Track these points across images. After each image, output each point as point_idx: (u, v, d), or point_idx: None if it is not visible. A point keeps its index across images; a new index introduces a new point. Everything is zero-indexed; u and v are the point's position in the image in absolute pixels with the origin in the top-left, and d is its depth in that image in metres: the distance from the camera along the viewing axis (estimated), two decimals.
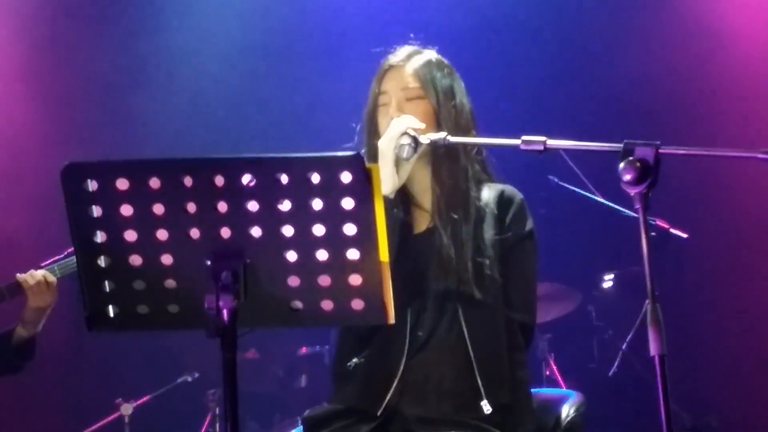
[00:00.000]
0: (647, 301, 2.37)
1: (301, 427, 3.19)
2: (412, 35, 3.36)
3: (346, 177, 2.25)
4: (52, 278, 4.24)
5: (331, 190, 2.26)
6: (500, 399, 3.01)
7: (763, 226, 6.32)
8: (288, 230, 2.31)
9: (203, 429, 5.89)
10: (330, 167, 2.26)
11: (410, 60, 3.23)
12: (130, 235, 2.33)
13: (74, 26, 6.53)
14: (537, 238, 3.21)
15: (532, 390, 3.18)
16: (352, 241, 2.30)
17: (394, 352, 3.07)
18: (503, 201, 3.19)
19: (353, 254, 2.31)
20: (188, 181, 2.28)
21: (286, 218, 2.29)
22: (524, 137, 2.76)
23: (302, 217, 2.29)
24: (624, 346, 5.85)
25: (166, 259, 2.34)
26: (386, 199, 2.91)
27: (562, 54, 6.78)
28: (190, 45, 6.75)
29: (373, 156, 3.09)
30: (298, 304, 2.38)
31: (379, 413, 3.03)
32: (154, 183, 2.28)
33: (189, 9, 6.82)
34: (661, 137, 2.49)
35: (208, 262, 2.31)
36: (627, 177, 2.41)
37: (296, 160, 2.29)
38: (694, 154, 2.58)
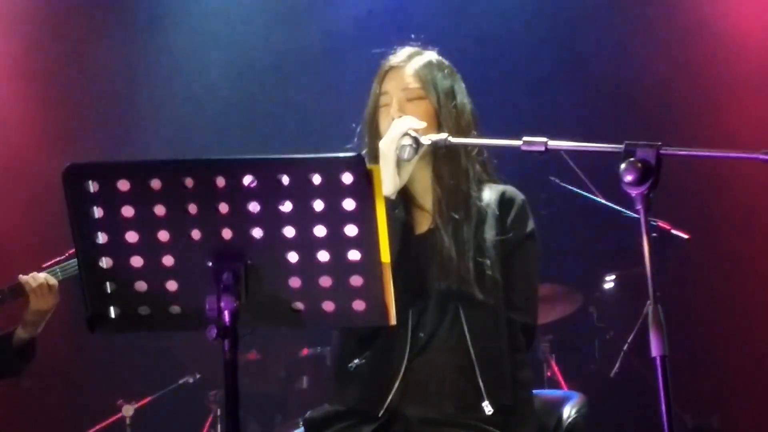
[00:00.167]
0: (648, 302, 2.36)
1: (302, 428, 3.18)
2: (412, 36, 3.36)
3: (347, 178, 2.25)
4: (53, 281, 4.23)
5: (332, 191, 2.26)
6: (502, 400, 3.01)
7: (765, 226, 6.32)
8: (289, 231, 2.31)
9: (204, 430, 5.89)
10: (331, 168, 2.26)
11: (411, 60, 3.23)
12: (132, 237, 2.33)
13: (74, 26, 6.52)
14: (538, 239, 3.21)
15: (534, 391, 3.18)
16: (354, 242, 2.30)
17: (395, 353, 3.07)
18: (504, 202, 3.19)
19: (354, 255, 2.31)
20: (189, 182, 2.28)
21: (287, 219, 2.30)
22: (525, 138, 2.75)
23: (303, 218, 2.29)
24: (625, 347, 5.84)
25: (168, 261, 2.34)
26: (387, 200, 2.91)
27: (564, 54, 6.78)
28: (190, 45, 6.75)
29: (374, 157, 3.09)
30: (300, 305, 2.38)
31: (380, 414, 3.03)
32: (155, 184, 2.28)
33: (189, 9, 6.82)
34: (663, 138, 2.49)
35: (210, 263, 2.31)
36: (628, 178, 2.41)
37: (297, 161, 2.29)
38: (696, 155, 2.58)
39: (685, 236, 5.29)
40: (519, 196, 3.22)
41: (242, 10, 6.88)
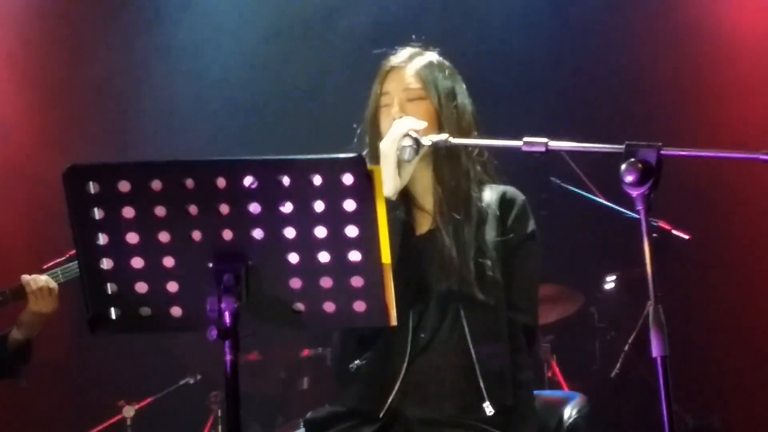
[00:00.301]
0: (649, 303, 2.36)
1: (303, 429, 3.18)
2: (413, 36, 3.37)
3: (347, 179, 2.25)
4: (54, 285, 4.19)
5: (332, 192, 2.26)
6: (502, 400, 3.01)
7: (765, 227, 6.32)
8: (290, 232, 2.31)
9: (205, 431, 5.89)
10: (332, 169, 2.26)
11: (412, 61, 3.24)
12: (132, 238, 2.33)
13: (74, 26, 6.51)
14: (539, 239, 3.22)
15: (535, 391, 3.18)
16: (354, 243, 2.30)
17: (396, 353, 3.07)
18: (505, 202, 3.19)
19: (355, 256, 2.31)
20: (190, 183, 2.28)
21: (287, 220, 2.30)
22: (526, 138, 2.75)
23: (304, 219, 2.29)
24: (626, 348, 5.84)
25: (168, 262, 2.34)
26: (388, 201, 2.91)
27: (564, 55, 6.78)
28: (190, 45, 6.74)
29: (375, 157, 3.10)
30: (300, 306, 2.38)
31: (381, 415, 3.03)
32: (156, 185, 2.28)
33: (190, 8, 6.81)
34: (663, 139, 2.49)
35: (210, 265, 2.32)
36: (629, 178, 2.41)
37: (298, 162, 2.29)
38: (696, 155, 2.58)
39: (686, 237, 5.30)
40: (520, 196, 3.22)
41: (242, 9, 6.88)
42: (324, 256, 2.32)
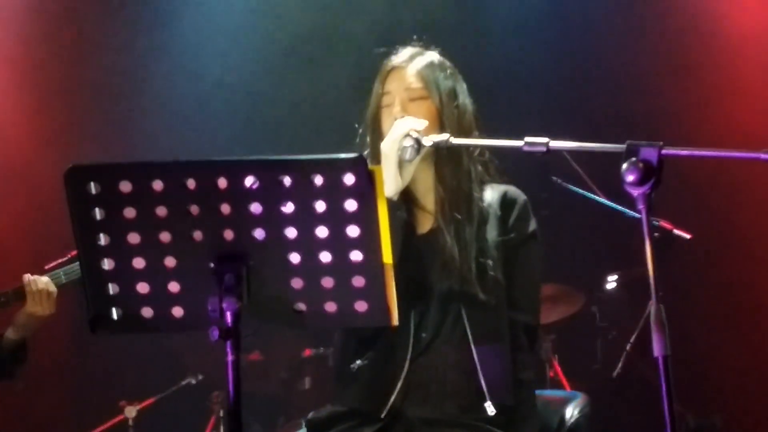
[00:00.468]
0: (651, 302, 2.36)
1: (305, 429, 3.18)
2: (414, 36, 3.37)
3: (349, 179, 2.25)
4: (53, 289, 4.15)
5: (334, 192, 2.26)
6: (503, 400, 3.01)
7: (767, 226, 6.31)
8: (291, 232, 2.31)
9: (207, 431, 5.89)
10: (333, 169, 2.26)
11: (413, 61, 3.24)
12: (133, 238, 2.33)
13: (74, 26, 6.51)
14: (540, 239, 3.22)
15: (536, 391, 3.18)
16: (356, 243, 2.30)
17: (397, 353, 3.07)
18: (506, 202, 3.19)
19: (356, 256, 2.31)
20: (191, 183, 2.28)
21: (289, 220, 2.30)
22: (527, 138, 2.75)
23: (305, 219, 2.29)
24: (628, 347, 5.84)
25: (170, 262, 2.34)
26: (389, 201, 2.91)
27: (565, 54, 6.77)
28: (192, 45, 6.74)
29: (377, 157, 3.10)
30: (302, 306, 2.38)
31: (383, 415, 3.03)
32: (157, 185, 2.28)
33: (190, 8, 6.81)
34: (664, 138, 2.49)
35: (212, 265, 2.32)
36: (630, 178, 2.40)
37: (299, 162, 2.29)
38: (698, 154, 2.57)
39: (688, 236, 5.28)
40: (521, 196, 3.22)
41: (243, 8, 6.87)
42: (325, 256, 2.32)
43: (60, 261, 4.26)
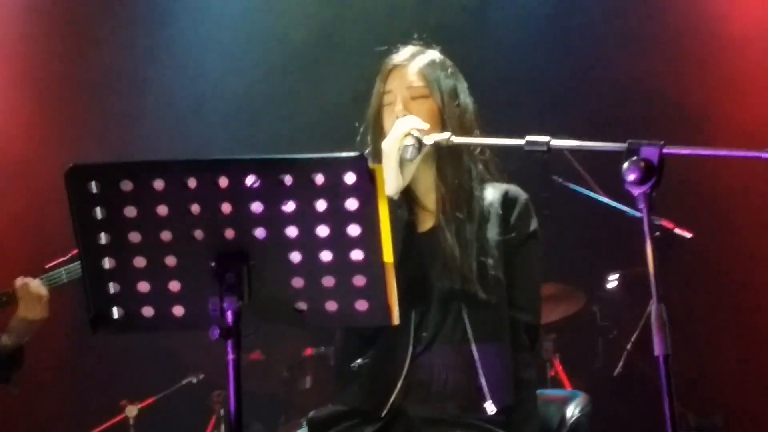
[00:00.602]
0: (652, 301, 2.36)
1: (305, 429, 3.18)
2: (415, 35, 3.37)
3: (350, 178, 2.25)
4: (44, 292, 4.10)
5: (335, 191, 2.26)
6: (503, 400, 3.01)
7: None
8: (292, 231, 2.31)
9: (208, 430, 5.89)
10: (334, 168, 2.26)
11: (414, 59, 3.24)
12: (134, 237, 2.33)
13: (75, 25, 6.50)
14: (541, 238, 3.21)
15: (537, 390, 3.18)
16: (356, 242, 2.30)
17: (398, 352, 3.07)
18: (508, 201, 3.19)
19: (357, 255, 2.31)
20: (192, 182, 2.28)
21: (290, 219, 2.29)
22: (528, 137, 2.75)
23: (306, 218, 2.29)
24: (629, 346, 5.84)
25: (170, 261, 2.34)
26: (390, 200, 2.91)
27: (566, 53, 6.77)
28: (192, 45, 6.74)
29: (378, 156, 3.10)
30: (303, 305, 2.38)
31: (383, 414, 3.03)
32: (158, 184, 2.28)
33: (192, 8, 6.80)
34: (665, 137, 2.49)
35: (212, 264, 2.32)
36: (631, 177, 2.40)
37: (300, 161, 2.29)
38: (699, 153, 2.57)
39: (688, 235, 5.28)
40: (522, 195, 3.22)
41: (245, 8, 6.87)
42: (326, 255, 2.32)
43: (61, 260, 4.24)
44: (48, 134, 6.30)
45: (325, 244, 2.31)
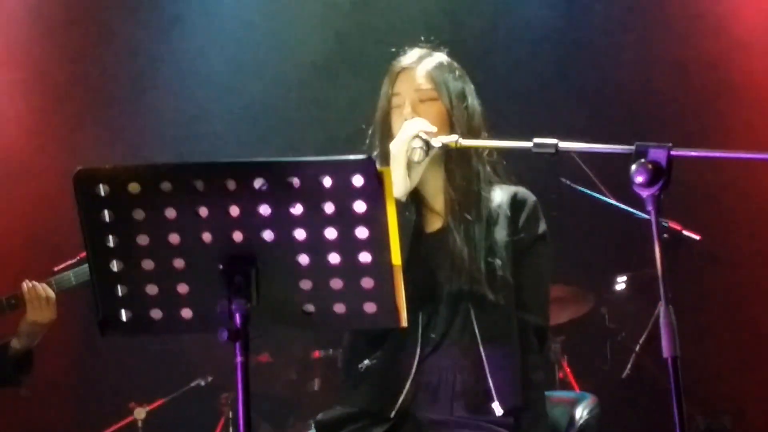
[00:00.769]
0: (660, 303, 2.36)
1: (314, 430, 3.18)
2: (422, 38, 3.37)
3: (357, 180, 2.25)
4: (51, 294, 4.13)
5: (343, 194, 2.26)
6: (511, 401, 3.00)
7: None
8: (300, 234, 2.30)
9: None
10: (342, 171, 2.26)
11: (422, 62, 3.24)
12: (142, 240, 2.33)
13: (79, 27, 6.50)
14: (550, 240, 3.21)
15: (546, 392, 3.18)
16: (364, 245, 2.30)
17: (406, 354, 3.07)
18: (517, 202, 3.19)
19: (365, 257, 2.31)
20: (200, 185, 2.28)
21: (298, 222, 2.29)
22: (536, 140, 2.75)
23: (314, 220, 2.29)
24: (637, 348, 5.83)
25: (179, 263, 2.34)
26: (398, 202, 2.91)
27: (574, 55, 6.77)
28: (197, 48, 6.73)
29: (386, 158, 3.10)
30: (311, 308, 2.38)
31: (391, 415, 3.03)
32: (166, 187, 2.28)
33: (197, 11, 6.80)
34: (673, 139, 2.48)
35: (221, 266, 2.31)
36: (639, 179, 2.40)
37: (308, 164, 2.29)
38: (707, 155, 2.57)
39: (697, 237, 5.28)
40: (531, 197, 3.22)
41: (252, 11, 6.87)
42: (334, 258, 2.32)
43: (69, 262, 4.25)
44: (54, 138, 6.29)
45: (333, 246, 2.31)
